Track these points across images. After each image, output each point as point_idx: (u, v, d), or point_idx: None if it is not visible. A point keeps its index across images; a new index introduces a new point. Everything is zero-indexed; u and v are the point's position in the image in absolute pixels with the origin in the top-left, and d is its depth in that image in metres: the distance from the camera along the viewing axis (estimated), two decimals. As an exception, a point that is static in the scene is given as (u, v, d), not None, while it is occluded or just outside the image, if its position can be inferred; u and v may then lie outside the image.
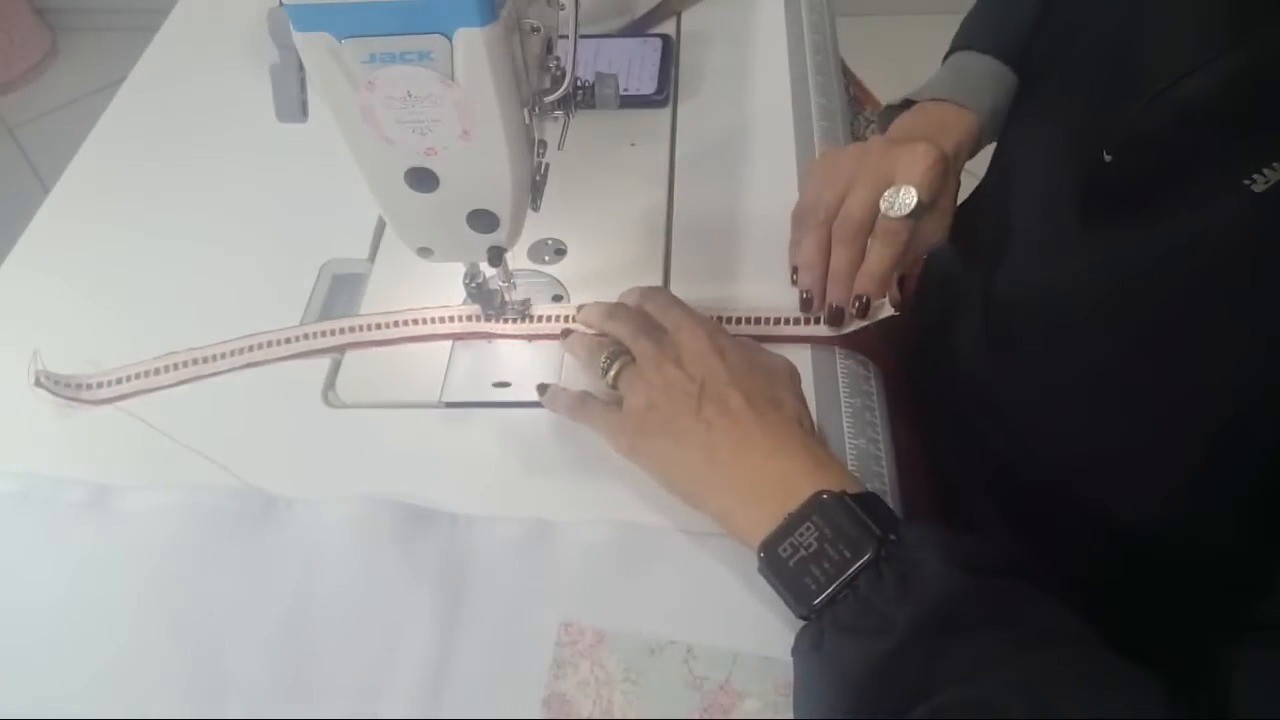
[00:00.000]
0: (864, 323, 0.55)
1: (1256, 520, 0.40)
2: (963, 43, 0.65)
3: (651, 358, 0.50)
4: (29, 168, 1.99)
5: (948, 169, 0.55)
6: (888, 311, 0.55)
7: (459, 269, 0.56)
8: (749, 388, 0.48)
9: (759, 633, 0.45)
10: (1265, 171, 0.36)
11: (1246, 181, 0.36)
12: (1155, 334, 0.43)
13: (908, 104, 0.64)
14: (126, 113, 0.79)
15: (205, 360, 0.59)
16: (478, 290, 0.57)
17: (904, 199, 0.53)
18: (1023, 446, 0.56)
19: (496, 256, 0.52)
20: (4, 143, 2.05)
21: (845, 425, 0.54)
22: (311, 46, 0.40)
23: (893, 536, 0.40)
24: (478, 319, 0.59)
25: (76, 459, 0.55)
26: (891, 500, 0.51)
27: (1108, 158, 0.43)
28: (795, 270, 0.58)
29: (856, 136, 0.75)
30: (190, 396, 0.58)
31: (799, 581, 0.41)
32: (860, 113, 0.92)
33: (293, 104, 0.46)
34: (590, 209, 0.66)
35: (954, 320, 0.62)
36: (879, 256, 0.54)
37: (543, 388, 0.54)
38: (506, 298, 0.59)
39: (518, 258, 0.64)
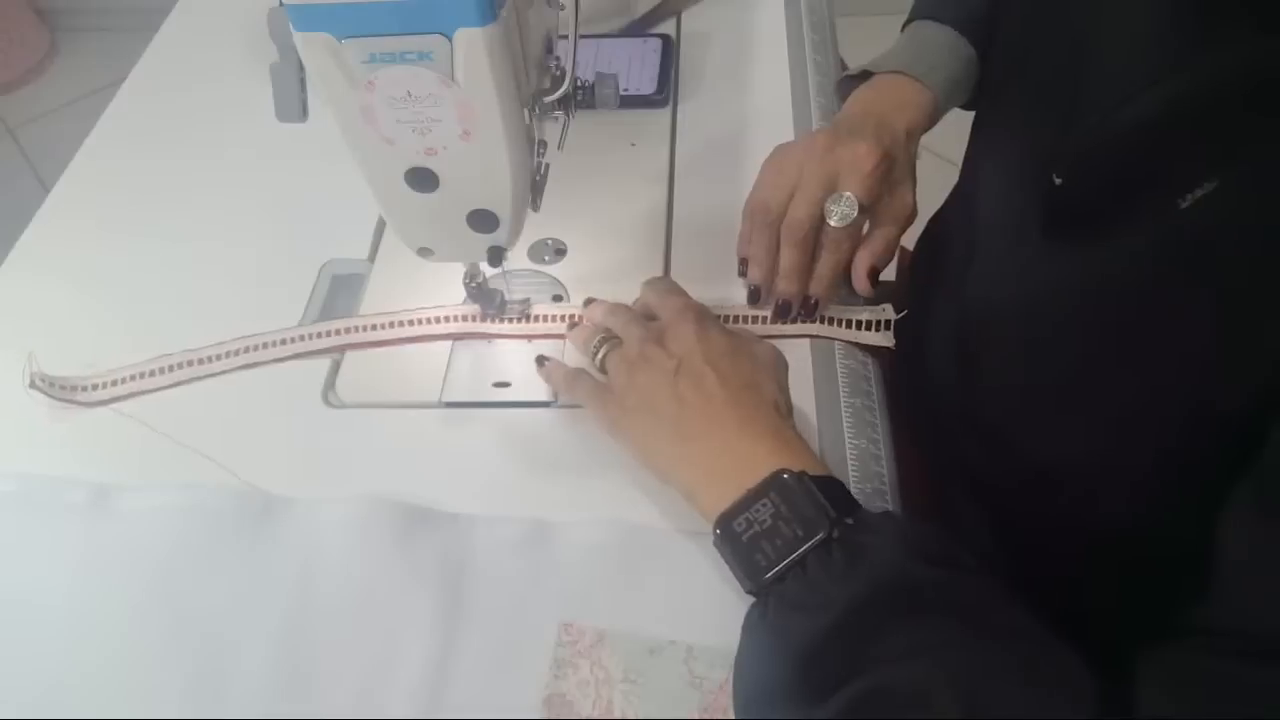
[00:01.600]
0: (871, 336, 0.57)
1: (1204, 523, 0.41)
2: (922, 12, 0.66)
3: (637, 338, 0.51)
4: (29, 168, 1.99)
5: (891, 166, 0.56)
6: (887, 340, 0.57)
7: (459, 269, 0.56)
8: (726, 369, 0.49)
9: (759, 633, 0.45)
10: (1195, 190, 0.37)
11: (1180, 201, 0.38)
12: (1107, 347, 0.45)
13: (866, 74, 0.64)
14: (126, 113, 0.79)
15: (201, 361, 0.59)
16: (478, 290, 0.57)
17: (844, 209, 0.55)
18: (996, 455, 0.57)
19: (496, 256, 0.52)
20: (4, 143, 2.05)
21: (845, 425, 0.54)
22: (311, 46, 0.40)
23: (849, 520, 0.41)
24: (478, 319, 0.59)
25: (76, 459, 0.55)
26: (891, 500, 0.51)
27: (1057, 180, 0.44)
28: (743, 262, 0.60)
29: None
30: (190, 397, 0.58)
31: (750, 557, 0.42)
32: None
33: (293, 104, 0.46)
34: (590, 209, 0.66)
35: (929, 331, 0.63)
36: (825, 263, 0.56)
37: (541, 359, 0.56)
38: (506, 298, 0.59)
39: (518, 258, 0.64)
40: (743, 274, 0.59)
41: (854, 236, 0.56)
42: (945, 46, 0.63)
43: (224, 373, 0.59)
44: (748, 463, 0.45)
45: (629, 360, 0.51)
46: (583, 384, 0.54)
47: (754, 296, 0.58)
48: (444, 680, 0.45)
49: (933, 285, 0.64)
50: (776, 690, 0.39)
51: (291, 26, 0.40)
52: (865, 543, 0.40)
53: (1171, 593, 0.38)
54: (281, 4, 0.39)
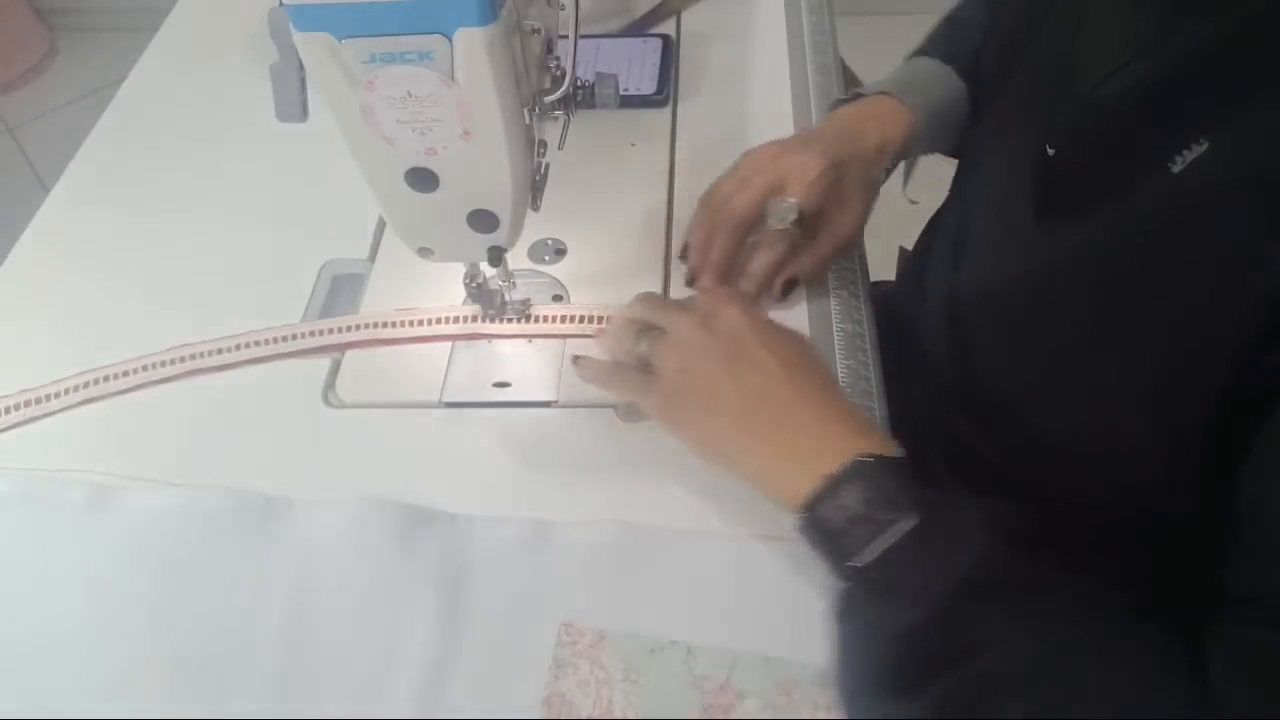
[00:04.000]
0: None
1: (1208, 494, 0.42)
2: (919, 50, 0.69)
3: (681, 324, 0.50)
4: (29, 168, 1.99)
5: (840, 178, 0.58)
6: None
7: (459, 269, 0.56)
8: (780, 349, 0.48)
9: (759, 633, 0.45)
10: (1184, 154, 0.39)
11: (1170, 164, 0.40)
12: (1098, 317, 0.45)
13: (857, 97, 0.66)
14: (126, 113, 0.79)
15: (39, 401, 0.57)
16: (478, 290, 0.57)
17: (783, 212, 0.56)
18: (992, 442, 0.57)
19: (496, 256, 0.52)
20: (4, 143, 2.05)
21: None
22: (311, 46, 0.40)
23: (931, 502, 0.41)
24: (478, 319, 0.59)
25: (76, 458, 0.55)
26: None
27: (1050, 152, 0.46)
28: (684, 247, 0.62)
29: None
30: (190, 396, 0.58)
31: (838, 544, 0.42)
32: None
33: (293, 104, 0.46)
34: (590, 209, 0.66)
35: (921, 323, 0.63)
36: (757, 261, 0.58)
37: (576, 359, 0.55)
38: (506, 298, 0.59)
39: (518, 258, 0.64)
40: (682, 259, 0.61)
41: (789, 240, 0.57)
42: (933, 76, 0.65)
43: (65, 410, 0.57)
44: (821, 447, 0.44)
45: (676, 347, 0.49)
46: (623, 377, 0.52)
47: (690, 281, 0.60)
48: (444, 680, 0.45)
49: (924, 273, 0.64)
50: (877, 679, 0.40)
51: (291, 26, 0.40)
52: (952, 526, 0.40)
53: (1177, 561, 0.39)
54: (281, 4, 0.39)
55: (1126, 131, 0.43)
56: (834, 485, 0.42)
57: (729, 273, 0.58)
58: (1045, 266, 0.48)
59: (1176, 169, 0.40)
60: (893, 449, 0.45)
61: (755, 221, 0.57)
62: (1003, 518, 0.41)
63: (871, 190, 0.61)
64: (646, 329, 0.52)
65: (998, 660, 0.37)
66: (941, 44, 0.67)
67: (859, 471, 0.42)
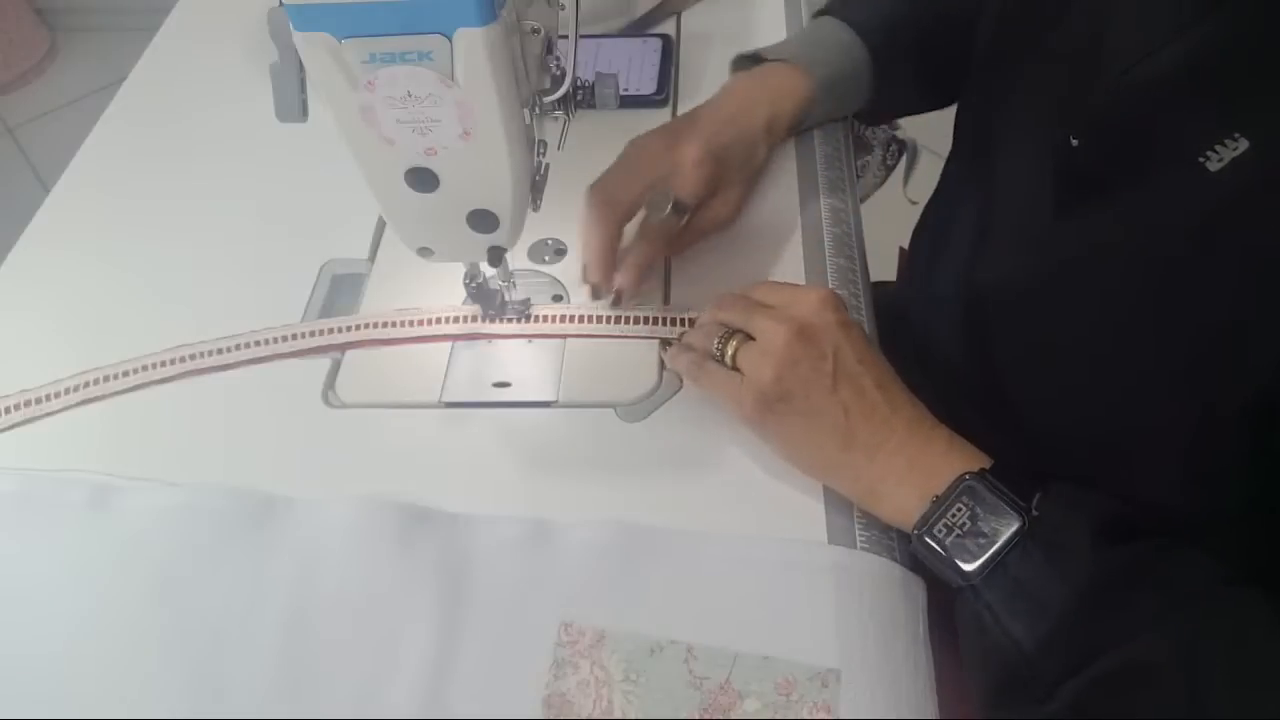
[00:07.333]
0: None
1: (1235, 496, 0.43)
2: (828, 10, 0.68)
3: (775, 331, 0.48)
4: (29, 168, 1.99)
5: (719, 167, 0.58)
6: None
7: (459, 269, 0.56)
8: (876, 367, 0.48)
9: (759, 633, 0.45)
10: (1218, 149, 0.38)
11: (1201, 159, 0.39)
12: (1120, 313, 0.45)
13: (759, 59, 0.66)
14: (126, 113, 0.79)
15: (38, 400, 0.57)
16: (478, 290, 0.57)
17: (660, 203, 0.57)
18: (1011, 438, 0.57)
19: (496, 256, 0.52)
20: (4, 143, 2.05)
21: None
22: (311, 46, 0.40)
23: (1035, 512, 0.42)
24: (478, 319, 0.59)
25: (76, 457, 0.55)
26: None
27: (1075, 142, 0.45)
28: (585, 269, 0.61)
29: (855, 135, 0.75)
30: (190, 396, 0.58)
31: (954, 561, 0.43)
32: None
33: (293, 104, 0.46)
34: (590, 209, 0.66)
35: (934, 317, 0.63)
36: (635, 252, 0.58)
37: (666, 345, 0.56)
38: (506, 298, 0.59)
39: (518, 258, 0.64)
40: (586, 281, 0.61)
41: (667, 231, 0.58)
42: (838, 45, 0.65)
43: (64, 410, 0.57)
44: (923, 467, 0.45)
45: (770, 355, 0.48)
46: (711, 373, 0.51)
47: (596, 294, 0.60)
48: (444, 680, 0.45)
49: (935, 271, 0.64)
50: (1002, 687, 0.42)
51: (291, 26, 0.40)
52: (1059, 537, 0.41)
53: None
54: (281, 4, 0.39)
55: (1158, 121, 0.41)
56: (941, 506, 0.43)
57: (602, 264, 0.58)
58: (1069, 264, 0.48)
59: (1213, 167, 0.38)
60: (985, 460, 0.45)
61: (630, 213, 0.58)
62: (1112, 519, 0.41)
63: (754, 174, 0.63)
64: (733, 333, 0.51)
65: (1120, 657, 0.38)
66: (853, 6, 0.66)
67: (963, 490, 0.43)
